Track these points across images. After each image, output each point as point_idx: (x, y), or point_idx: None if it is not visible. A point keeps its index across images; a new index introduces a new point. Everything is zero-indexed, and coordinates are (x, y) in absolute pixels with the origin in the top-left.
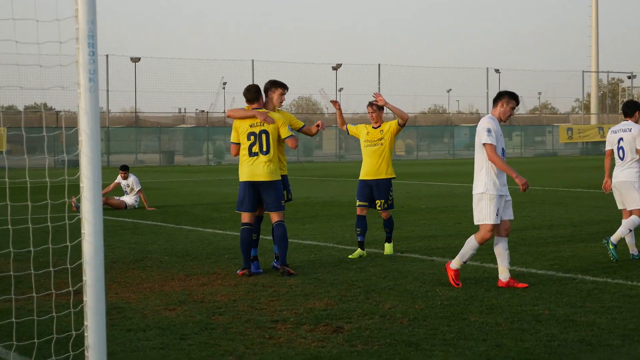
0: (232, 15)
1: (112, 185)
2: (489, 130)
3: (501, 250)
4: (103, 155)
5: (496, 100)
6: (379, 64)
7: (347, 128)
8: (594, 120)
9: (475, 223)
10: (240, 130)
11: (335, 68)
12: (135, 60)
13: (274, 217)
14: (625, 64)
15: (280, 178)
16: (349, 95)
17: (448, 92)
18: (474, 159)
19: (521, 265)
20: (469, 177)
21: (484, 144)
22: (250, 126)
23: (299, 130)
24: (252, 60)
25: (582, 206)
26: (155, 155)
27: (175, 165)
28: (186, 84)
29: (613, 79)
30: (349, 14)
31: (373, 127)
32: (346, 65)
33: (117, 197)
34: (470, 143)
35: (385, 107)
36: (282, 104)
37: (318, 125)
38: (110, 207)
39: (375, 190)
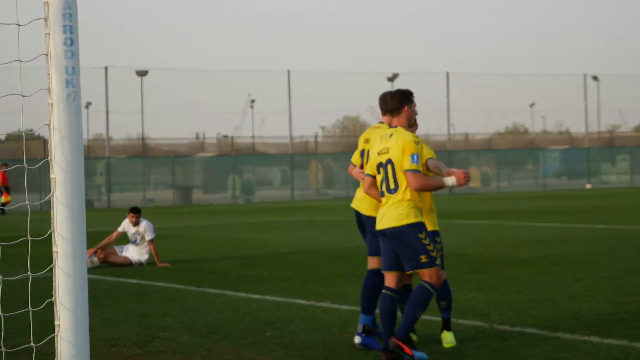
0: (260, 16)
1: (114, 235)
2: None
3: None
4: (102, 194)
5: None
6: (447, 73)
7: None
8: None
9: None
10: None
11: (392, 79)
12: (142, 73)
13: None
14: None
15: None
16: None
17: (531, 106)
18: (567, 189)
19: None
20: (570, 214)
21: None
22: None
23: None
24: (288, 71)
25: None
26: (168, 192)
27: (193, 205)
28: (205, 101)
29: None
30: (406, 12)
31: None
32: (405, 74)
33: (120, 251)
34: (562, 169)
35: None
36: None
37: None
38: (110, 265)
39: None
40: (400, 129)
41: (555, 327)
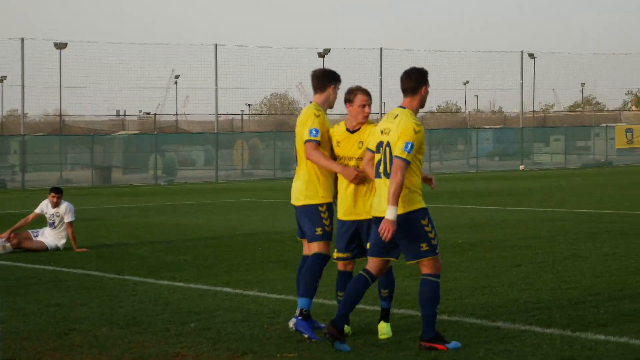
0: None
1: (30, 217)
2: None
3: None
4: (16, 174)
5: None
6: (381, 48)
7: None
8: None
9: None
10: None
11: (323, 54)
12: (61, 46)
13: None
14: None
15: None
16: (341, 89)
17: (465, 84)
18: (500, 170)
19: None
20: (504, 197)
21: None
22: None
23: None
24: (215, 45)
25: None
26: (87, 172)
27: (113, 186)
28: (127, 77)
29: None
30: None
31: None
32: (337, 50)
33: (35, 235)
34: (495, 150)
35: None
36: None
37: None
38: (24, 251)
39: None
40: (407, 112)
41: (494, 316)
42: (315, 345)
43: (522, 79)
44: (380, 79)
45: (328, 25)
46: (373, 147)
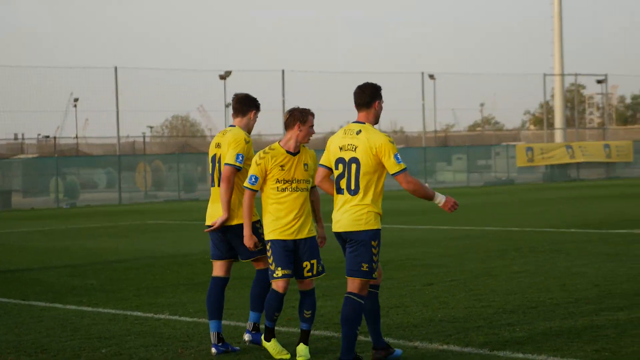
0: (85, 11)
1: None
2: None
3: None
4: None
5: None
6: (283, 70)
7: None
8: (559, 137)
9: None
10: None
11: (224, 76)
12: None
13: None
14: (585, 68)
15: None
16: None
17: None
18: (404, 190)
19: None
20: (412, 215)
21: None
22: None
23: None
24: (115, 68)
25: (589, 253)
26: None
27: (13, 210)
28: (24, 100)
29: (572, 84)
30: (239, 8)
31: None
32: (238, 72)
33: None
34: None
35: None
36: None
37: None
38: None
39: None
40: (368, 127)
41: (411, 336)
42: None
43: (423, 99)
44: (283, 100)
45: (229, 47)
46: (327, 163)
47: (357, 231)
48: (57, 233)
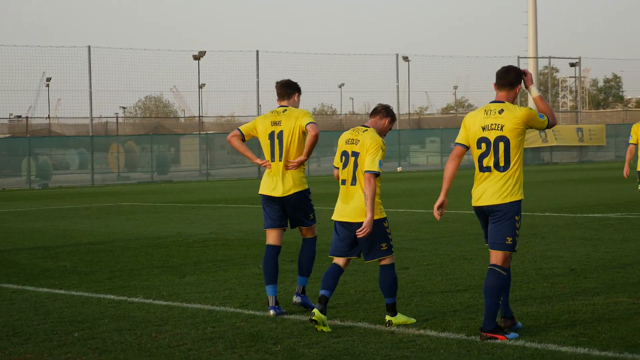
0: None
1: None
2: None
3: None
4: None
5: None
6: (257, 51)
7: None
8: None
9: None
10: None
11: (198, 57)
12: None
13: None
14: (557, 50)
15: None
16: (217, 92)
17: (340, 87)
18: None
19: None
20: (385, 198)
21: None
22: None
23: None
24: (89, 47)
25: (564, 238)
26: None
27: None
28: None
29: (546, 67)
30: None
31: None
32: (212, 53)
33: None
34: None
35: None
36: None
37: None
38: None
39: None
40: (509, 105)
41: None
42: (209, 351)
43: (397, 81)
44: (257, 82)
45: (203, 28)
46: (464, 141)
47: (501, 204)
48: (29, 214)
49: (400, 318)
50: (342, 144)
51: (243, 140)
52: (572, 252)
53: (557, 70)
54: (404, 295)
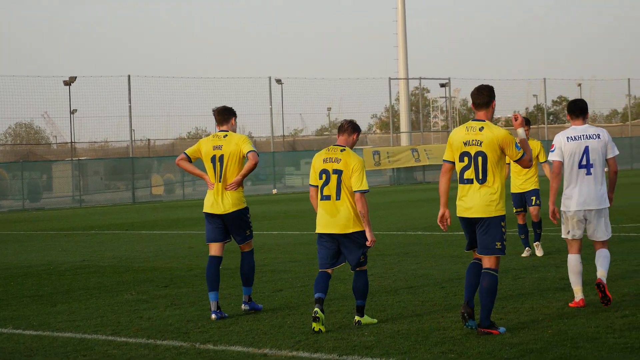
0: None
1: None
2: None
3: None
4: None
5: None
6: (129, 75)
7: None
8: (404, 140)
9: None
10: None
11: (69, 82)
12: None
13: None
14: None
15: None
16: (89, 117)
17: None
18: (254, 195)
19: None
20: (259, 221)
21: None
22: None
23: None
24: None
25: (435, 256)
26: None
27: None
28: None
29: (416, 88)
30: (85, 13)
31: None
32: (83, 78)
33: None
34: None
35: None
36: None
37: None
38: None
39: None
40: (489, 124)
41: (260, 343)
42: None
43: (271, 104)
44: (130, 107)
45: (74, 53)
46: (451, 158)
47: (488, 217)
48: None
49: (366, 319)
50: (319, 163)
51: (190, 162)
52: (443, 269)
53: (427, 91)
54: (277, 317)
